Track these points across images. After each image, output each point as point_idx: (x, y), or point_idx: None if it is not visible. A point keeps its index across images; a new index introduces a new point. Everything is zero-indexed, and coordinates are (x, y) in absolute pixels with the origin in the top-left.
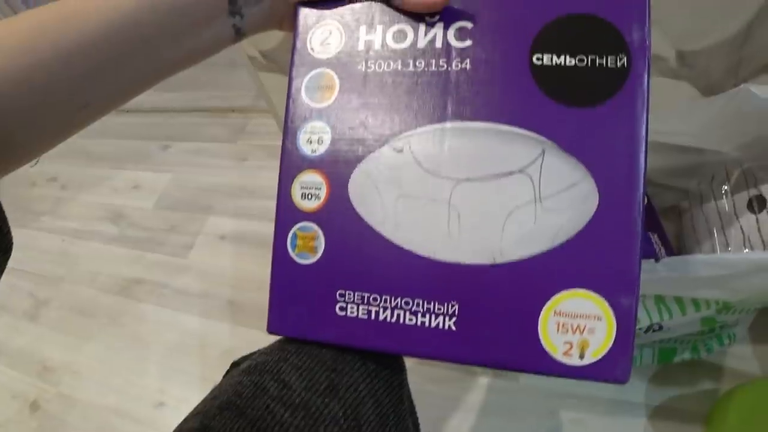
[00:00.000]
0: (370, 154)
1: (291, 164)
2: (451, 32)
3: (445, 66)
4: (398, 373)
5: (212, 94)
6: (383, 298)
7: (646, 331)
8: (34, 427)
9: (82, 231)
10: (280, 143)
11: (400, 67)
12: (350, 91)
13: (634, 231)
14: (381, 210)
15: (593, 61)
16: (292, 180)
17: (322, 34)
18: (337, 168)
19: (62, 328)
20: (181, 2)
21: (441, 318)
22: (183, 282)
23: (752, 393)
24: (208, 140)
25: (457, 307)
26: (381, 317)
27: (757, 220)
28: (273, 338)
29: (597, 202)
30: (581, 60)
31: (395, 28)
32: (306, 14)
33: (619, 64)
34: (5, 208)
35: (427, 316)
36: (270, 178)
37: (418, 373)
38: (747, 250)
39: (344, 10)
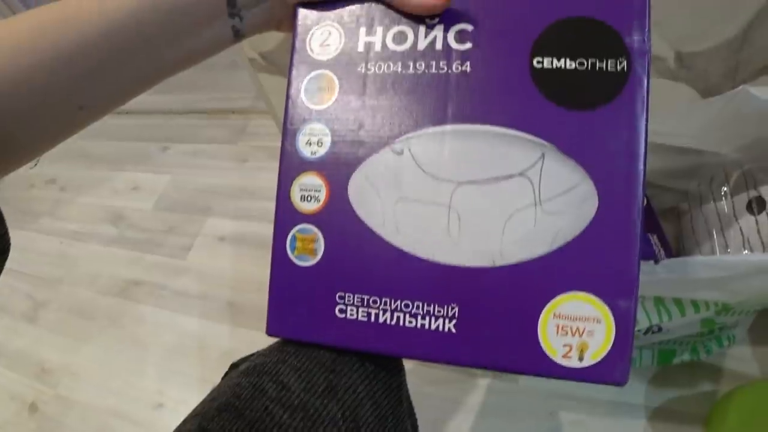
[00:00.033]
0: (369, 156)
1: (290, 166)
2: (451, 34)
3: (446, 68)
4: (397, 374)
5: (212, 95)
6: (383, 300)
7: (646, 332)
8: (32, 429)
9: (80, 233)
10: (280, 145)
11: (400, 69)
12: (350, 93)
13: (634, 234)
14: (381, 212)
15: (593, 64)
16: (292, 182)
17: (321, 35)
18: (337, 170)
19: (61, 330)
20: (183, 2)
21: (441, 320)
22: (182, 283)
23: (752, 394)
24: (208, 141)
25: (456, 309)
26: (381, 319)
27: (756, 221)
28: (272, 340)
29: (596, 205)
30: (581, 63)
31: (395, 29)
32: (305, 15)
33: (619, 67)
34: (3, 209)
35: (427, 318)
36: (270, 179)
37: (417, 374)
38: (746, 251)
39: (344, 12)
